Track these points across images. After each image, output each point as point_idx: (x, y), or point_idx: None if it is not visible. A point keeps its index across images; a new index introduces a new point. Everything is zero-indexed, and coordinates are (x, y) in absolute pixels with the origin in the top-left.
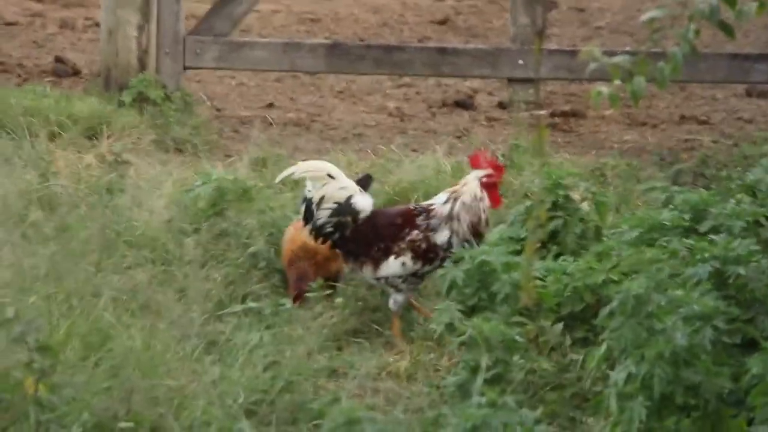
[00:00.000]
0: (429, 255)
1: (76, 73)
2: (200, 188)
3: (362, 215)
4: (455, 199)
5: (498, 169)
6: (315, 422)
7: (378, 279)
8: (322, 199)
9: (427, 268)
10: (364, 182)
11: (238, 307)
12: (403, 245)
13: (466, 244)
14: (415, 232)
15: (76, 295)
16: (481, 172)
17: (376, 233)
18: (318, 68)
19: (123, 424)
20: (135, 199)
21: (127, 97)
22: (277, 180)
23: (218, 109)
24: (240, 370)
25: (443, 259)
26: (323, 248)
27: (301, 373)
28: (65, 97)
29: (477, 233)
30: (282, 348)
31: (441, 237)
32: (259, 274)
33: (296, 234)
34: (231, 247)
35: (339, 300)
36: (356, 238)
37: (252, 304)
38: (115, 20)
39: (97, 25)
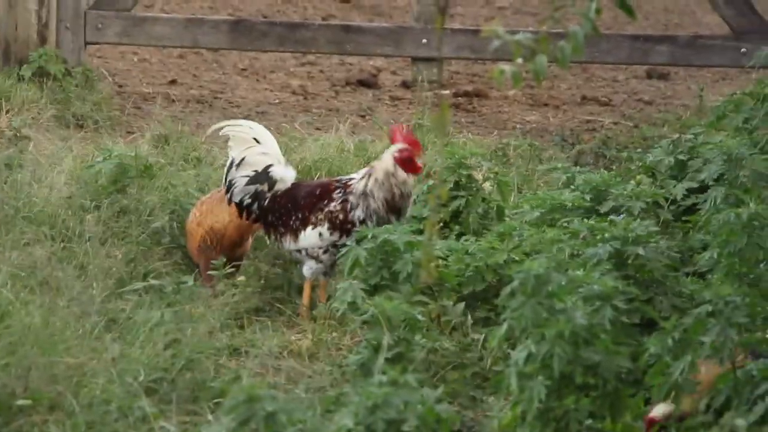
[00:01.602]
0: (346, 227)
1: None
2: (101, 164)
3: (280, 185)
4: (369, 176)
5: (414, 143)
6: (216, 401)
7: (299, 251)
8: (241, 163)
9: (344, 239)
10: None
11: (139, 285)
12: (320, 216)
13: (382, 220)
14: (333, 203)
15: None
16: (394, 147)
17: (295, 204)
18: (221, 45)
19: (21, 402)
20: (34, 174)
21: (26, 72)
22: (207, 134)
23: (120, 85)
24: (140, 348)
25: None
26: (230, 232)
27: (202, 352)
28: None
29: (393, 209)
30: (183, 326)
31: (358, 212)
32: (160, 251)
33: (202, 218)
34: (132, 224)
35: (241, 278)
36: (274, 208)
37: (153, 282)
38: None
39: None
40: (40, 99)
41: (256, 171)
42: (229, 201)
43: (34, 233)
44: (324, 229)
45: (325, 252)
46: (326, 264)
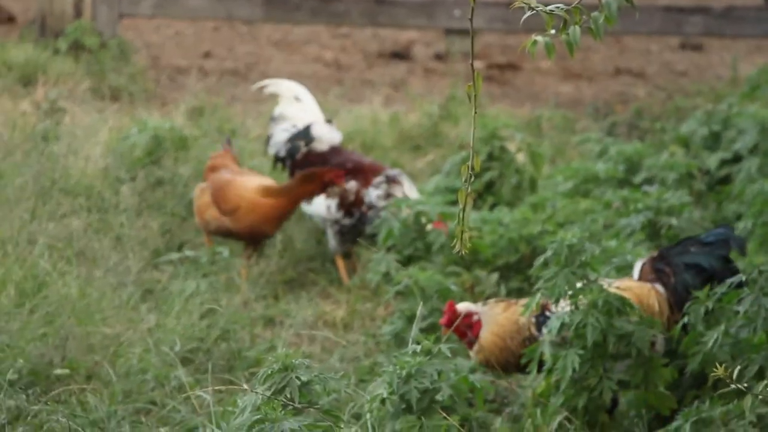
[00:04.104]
0: (352, 209)
1: (11, 19)
2: (136, 136)
3: (317, 145)
4: (389, 196)
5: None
6: (251, 370)
7: (309, 214)
8: (280, 117)
9: (346, 220)
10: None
11: (175, 256)
12: (336, 189)
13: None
14: (353, 182)
15: (10, 243)
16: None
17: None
18: (255, 17)
19: (59, 371)
20: (71, 146)
21: (62, 45)
22: (253, 88)
23: (155, 58)
24: (176, 318)
25: (362, 218)
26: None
27: (237, 322)
28: (0, 44)
29: (356, 228)
30: (218, 296)
31: (372, 196)
32: (195, 222)
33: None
34: (167, 195)
35: (276, 249)
36: (304, 166)
37: (189, 253)
38: None
39: None
40: (76, 72)
41: (295, 126)
42: (270, 155)
43: (71, 205)
44: (333, 203)
45: (331, 226)
46: (340, 239)
